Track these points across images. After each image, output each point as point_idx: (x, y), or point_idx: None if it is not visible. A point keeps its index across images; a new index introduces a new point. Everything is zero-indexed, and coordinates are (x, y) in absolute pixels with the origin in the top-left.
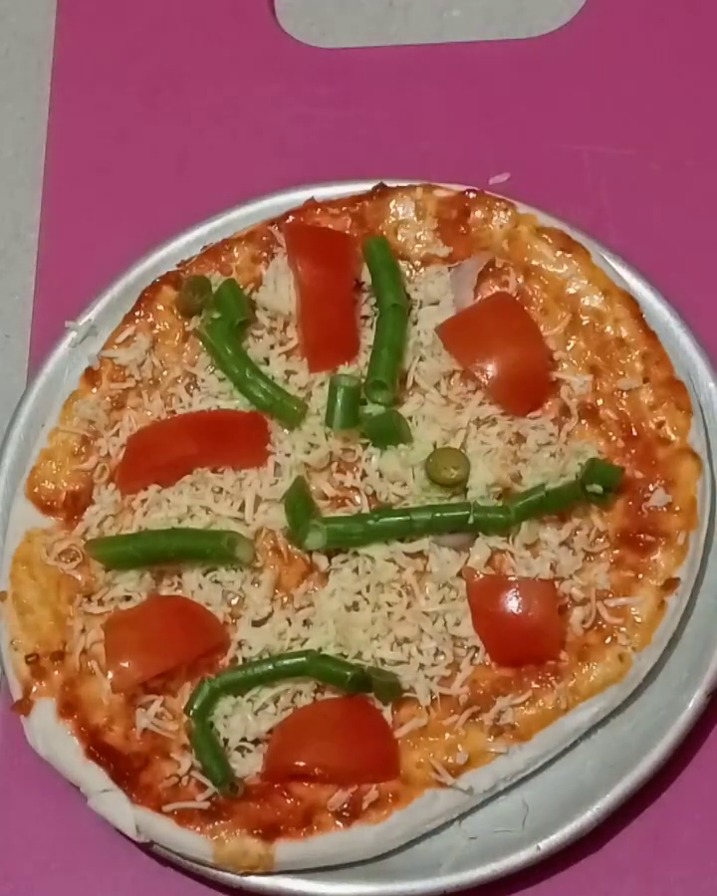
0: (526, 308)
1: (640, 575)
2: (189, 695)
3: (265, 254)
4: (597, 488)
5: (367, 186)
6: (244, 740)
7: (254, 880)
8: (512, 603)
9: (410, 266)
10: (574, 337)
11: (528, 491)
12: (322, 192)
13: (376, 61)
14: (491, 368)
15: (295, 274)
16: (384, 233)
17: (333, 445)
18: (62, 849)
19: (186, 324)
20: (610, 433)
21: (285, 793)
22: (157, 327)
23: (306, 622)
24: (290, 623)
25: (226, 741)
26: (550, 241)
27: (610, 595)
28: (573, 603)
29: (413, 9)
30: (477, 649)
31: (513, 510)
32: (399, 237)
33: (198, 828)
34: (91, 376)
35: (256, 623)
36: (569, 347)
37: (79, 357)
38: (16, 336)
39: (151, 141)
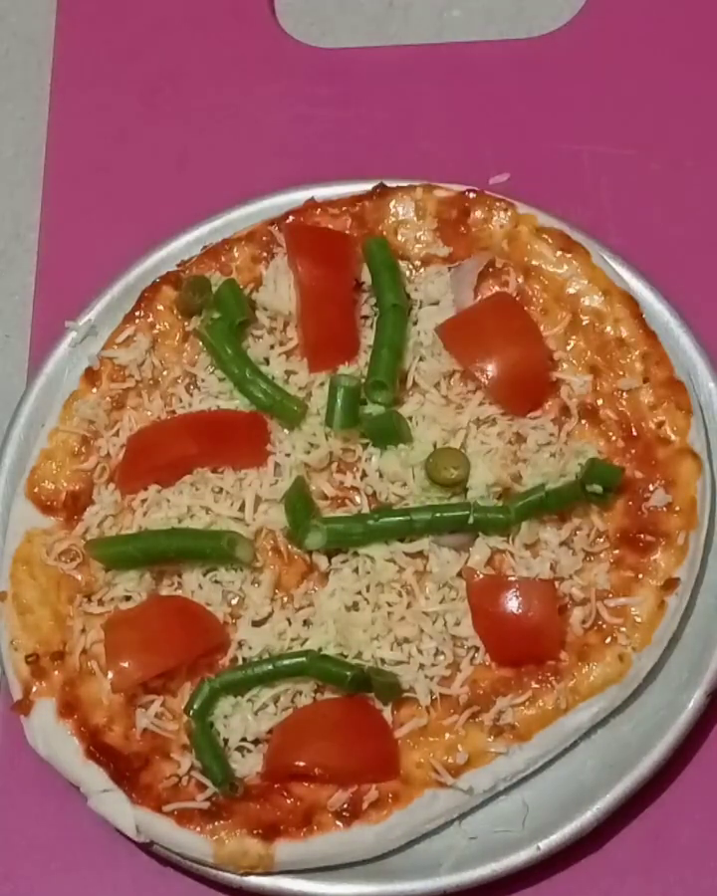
0: (526, 308)
1: (640, 575)
2: (189, 695)
3: (265, 254)
4: (597, 488)
5: (367, 186)
6: (244, 740)
7: (254, 880)
8: (512, 603)
9: (410, 266)
10: (574, 338)
11: (528, 491)
12: (322, 192)
13: (376, 61)
14: (491, 368)
15: (295, 274)
16: (384, 233)
17: (333, 445)
18: (62, 849)
19: (186, 324)
20: (610, 433)
21: (285, 793)
22: (157, 327)
23: (306, 622)
24: (290, 623)
25: (226, 741)
26: (550, 241)
27: (610, 595)
28: (573, 603)
29: (413, 9)
30: (477, 649)
31: (513, 510)
32: (399, 237)
33: (198, 828)
34: (91, 376)
35: (256, 623)
36: (569, 347)
37: (79, 357)
38: (16, 336)
39: (151, 141)
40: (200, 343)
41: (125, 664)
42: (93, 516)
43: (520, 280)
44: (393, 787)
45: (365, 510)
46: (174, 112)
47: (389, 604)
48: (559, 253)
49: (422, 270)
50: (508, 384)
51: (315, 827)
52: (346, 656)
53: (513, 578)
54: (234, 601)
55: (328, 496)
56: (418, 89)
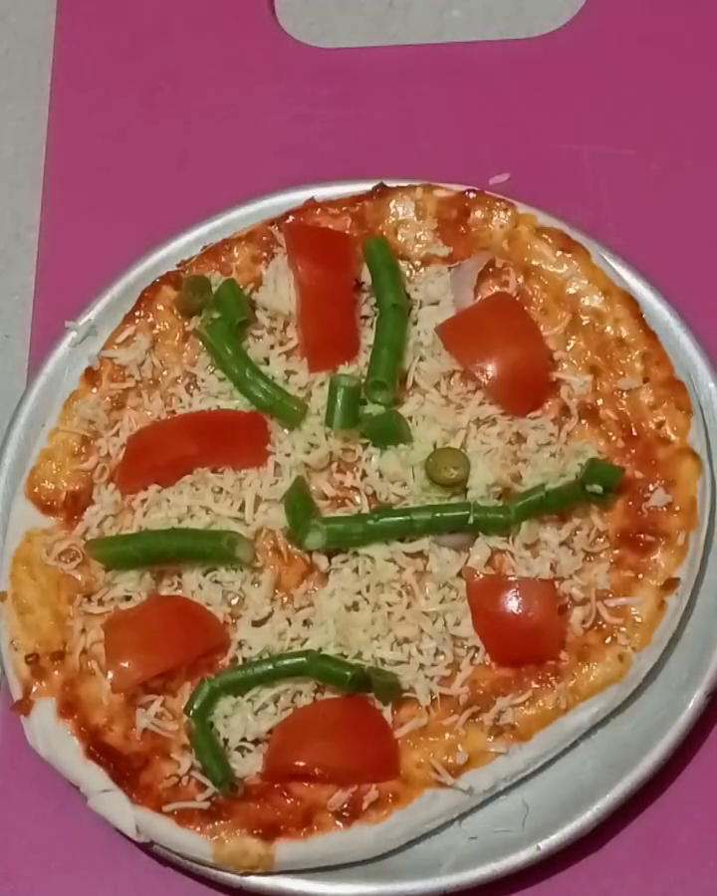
0: (526, 308)
1: (640, 575)
2: (189, 695)
3: (265, 254)
4: (598, 488)
5: (367, 186)
6: (244, 740)
7: (254, 880)
8: (512, 603)
9: (410, 266)
10: (574, 338)
11: (528, 491)
12: (322, 192)
13: (376, 61)
14: (491, 368)
15: (295, 274)
16: (384, 233)
17: (333, 445)
18: (62, 849)
19: (186, 324)
20: (610, 433)
21: (285, 793)
22: (157, 327)
23: (306, 622)
24: (290, 623)
25: (226, 741)
26: (550, 241)
27: (610, 595)
28: (573, 603)
29: (413, 9)
30: (477, 649)
31: (513, 510)
32: (399, 237)
33: (198, 828)
34: (91, 376)
35: (256, 623)
36: (569, 347)
37: (79, 357)
38: (16, 336)
39: (151, 141)
40: (200, 343)
41: (125, 664)
42: (93, 516)
43: (520, 280)
44: (393, 787)
45: (365, 510)
46: (174, 112)
47: (389, 604)
48: (559, 253)
49: (422, 270)
50: (508, 384)
51: (315, 827)
52: (346, 656)
53: (513, 578)
54: (234, 601)
55: (328, 496)
56: (418, 89)
